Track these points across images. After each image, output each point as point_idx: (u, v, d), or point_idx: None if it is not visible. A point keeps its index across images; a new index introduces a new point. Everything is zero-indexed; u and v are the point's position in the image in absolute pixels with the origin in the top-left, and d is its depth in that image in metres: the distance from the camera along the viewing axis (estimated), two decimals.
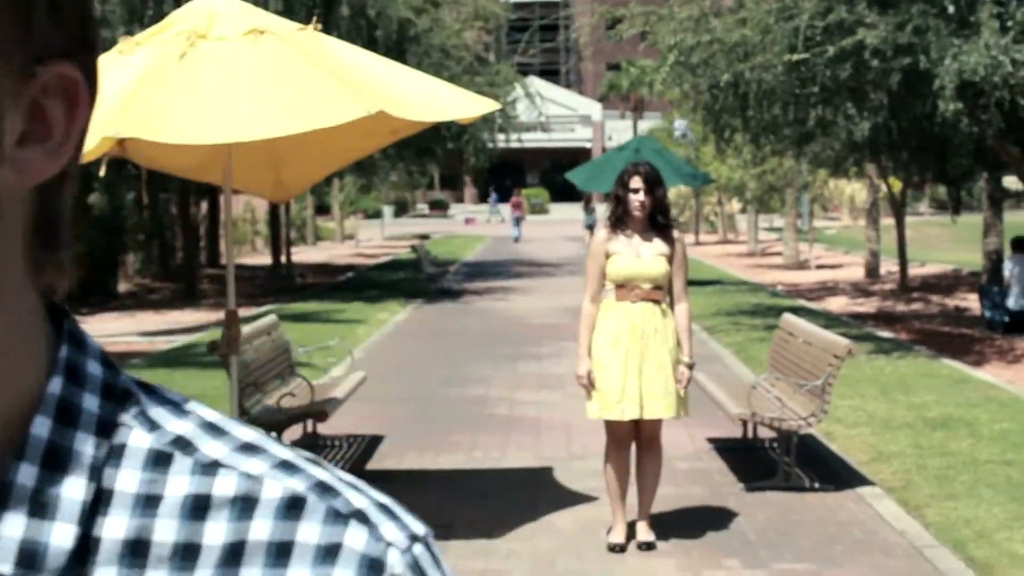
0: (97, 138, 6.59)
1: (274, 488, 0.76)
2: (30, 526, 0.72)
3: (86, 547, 0.73)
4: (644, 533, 7.23)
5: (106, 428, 0.76)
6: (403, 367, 14.68)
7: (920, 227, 46.60)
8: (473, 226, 65.59)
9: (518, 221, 50.50)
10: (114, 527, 0.74)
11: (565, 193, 76.32)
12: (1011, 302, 17.30)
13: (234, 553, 0.74)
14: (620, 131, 79.31)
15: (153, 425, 0.77)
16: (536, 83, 51.09)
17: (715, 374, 11.38)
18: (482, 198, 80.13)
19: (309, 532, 0.74)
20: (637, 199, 7.07)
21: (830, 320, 18.54)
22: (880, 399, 11.79)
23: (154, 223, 31.24)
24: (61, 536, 0.72)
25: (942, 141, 17.15)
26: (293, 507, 0.75)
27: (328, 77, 6.76)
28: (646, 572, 6.82)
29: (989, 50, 12.96)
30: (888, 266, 29.59)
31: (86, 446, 0.75)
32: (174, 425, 0.78)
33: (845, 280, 27.94)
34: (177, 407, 0.79)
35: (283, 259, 33.28)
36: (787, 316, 10.15)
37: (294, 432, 10.10)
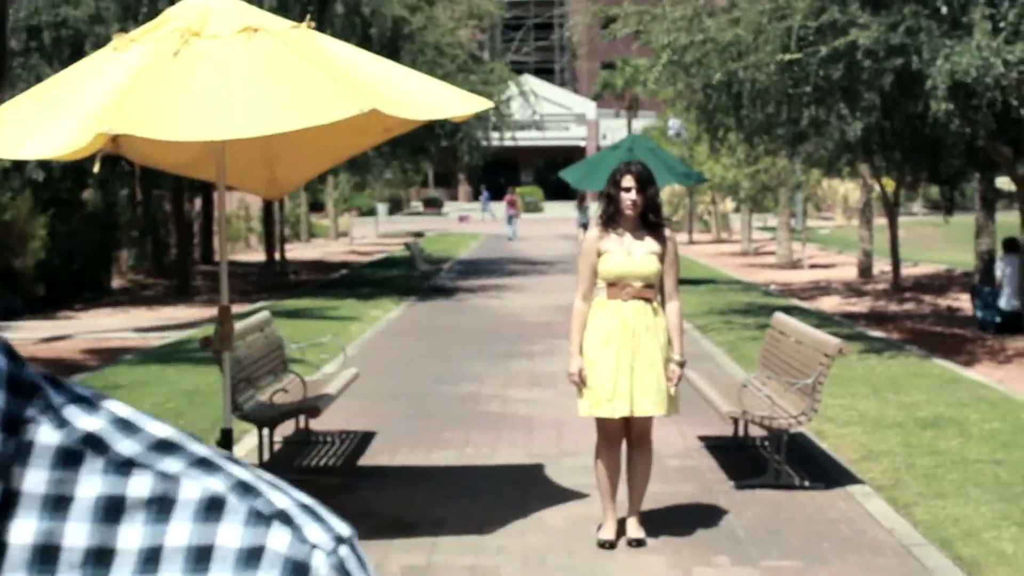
0: (91, 134, 6.62)
1: (192, 488, 0.72)
2: None
3: None
4: (634, 530, 7.27)
5: (12, 424, 0.71)
6: (396, 364, 14.71)
7: (913, 227, 46.66)
8: (467, 224, 65.61)
9: (511, 219, 50.52)
10: (22, 531, 0.69)
11: (559, 191, 76.34)
12: (1003, 302, 17.36)
13: (151, 558, 0.70)
14: (614, 130, 79.34)
15: (62, 421, 0.73)
16: (531, 81, 51.09)
17: (707, 372, 11.41)
18: (476, 196, 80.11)
19: (230, 535, 0.70)
20: (629, 198, 7.11)
21: (822, 319, 18.59)
22: (871, 398, 11.83)
23: (148, 219, 31.23)
24: None
25: (934, 141, 17.21)
26: (213, 508, 0.71)
27: (321, 75, 6.79)
28: (636, 569, 6.85)
29: (981, 51, 13.01)
30: (881, 266, 29.65)
31: None
32: (84, 421, 0.73)
33: (838, 280, 28.00)
34: (88, 402, 0.75)
35: (277, 256, 33.29)
36: (778, 315, 10.19)
37: (287, 428, 10.14)
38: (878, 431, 10.31)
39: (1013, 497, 8.09)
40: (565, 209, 70.45)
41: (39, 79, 17.03)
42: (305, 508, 0.74)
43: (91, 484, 0.71)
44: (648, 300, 7.14)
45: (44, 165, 19.17)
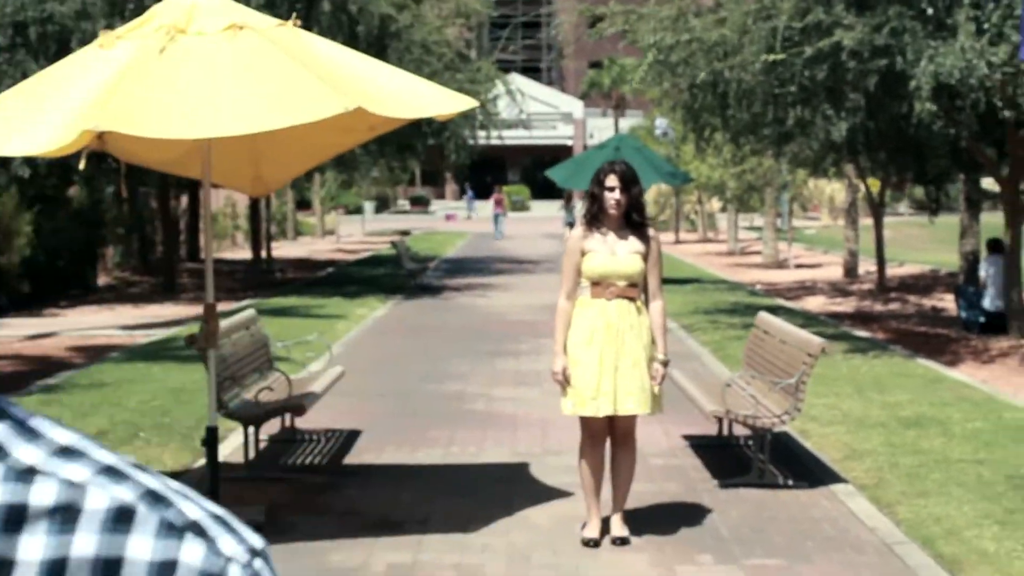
0: (77, 131, 6.62)
1: (99, 497, 0.68)
2: None
3: None
4: (618, 528, 7.29)
5: None
6: (382, 363, 14.72)
7: (900, 227, 46.77)
8: (454, 222, 65.63)
9: (498, 218, 50.56)
10: None
11: (546, 190, 76.34)
12: (987, 303, 17.43)
13: (55, 570, 0.66)
14: (602, 129, 79.41)
15: None
16: (518, 80, 51.12)
17: (692, 372, 11.45)
18: (463, 195, 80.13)
19: (140, 547, 0.67)
20: (613, 197, 7.13)
21: (808, 319, 18.64)
22: (855, 398, 11.87)
23: (134, 217, 31.19)
24: None
25: (919, 142, 17.26)
26: (121, 519, 0.67)
27: (307, 73, 6.80)
28: (619, 567, 6.88)
29: (965, 53, 13.05)
30: (867, 266, 29.73)
31: None
32: None
33: (824, 279, 28.06)
34: None
35: (263, 254, 33.26)
36: (762, 315, 10.22)
37: (272, 426, 10.14)
38: (861, 430, 10.35)
39: (995, 496, 8.13)
40: (552, 208, 70.53)
41: (25, 75, 16.99)
42: (218, 519, 0.70)
43: None
44: (632, 299, 7.17)
45: (30, 162, 19.13)
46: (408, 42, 23.96)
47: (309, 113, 6.58)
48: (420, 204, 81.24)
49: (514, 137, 71.16)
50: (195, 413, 10.86)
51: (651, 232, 7.28)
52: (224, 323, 8.69)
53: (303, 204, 59.09)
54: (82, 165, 7.20)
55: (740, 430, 9.85)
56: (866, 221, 30.19)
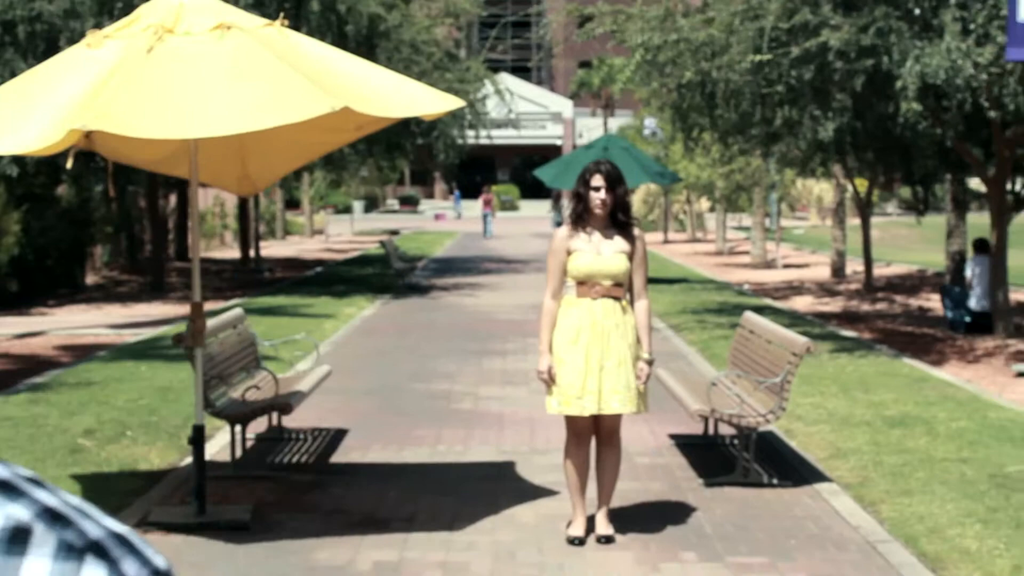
0: (64, 130, 6.65)
1: None
2: None
3: None
4: (603, 527, 7.33)
5: None
6: (370, 362, 14.75)
7: (888, 228, 46.90)
8: (443, 222, 65.66)
9: (487, 217, 50.61)
10: None
11: (536, 190, 76.46)
12: (972, 303, 17.50)
13: None
14: (591, 128, 79.51)
15: None
16: (507, 80, 51.16)
17: (678, 371, 11.48)
18: (452, 194, 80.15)
19: (37, 569, 0.63)
20: (598, 197, 7.17)
21: (795, 319, 18.71)
22: (840, 397, 11.92)
23: (122, 216, 31.17)
24: None
25: (906, 142, 17.32)
26: (17, 539, 0.63)
27: (294, 73, 6.83)
28: (604, 565, 6.91)
29: (950, 53, 13.11)
30: (854, 266, 29.82)
31: None
32: None
33: (811, 279, 28.14)
34: None
35: (252, 253, 33.27)
36: (748, 314, 10.26)
37: (259, 425, 10.17)
38: (846, 429, 10.40)
39: (977, 495, 8.18)
40: (541, 207, 70.61)
41: (13, 74, 17.01)
42: (120, 540, 0.67)
43: None
44: (617, 298, 7.21)
45: (18, 160, 19.12)
46: (397, 42, 23.98)
47: (296, 113, 6.61)
48: (409, 204, 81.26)
49: (503, 137, 71.24)
50: (182, 412, 10.88)
51: (636, 232, 7.32)
52: (211, 322, 8.72)
53: (292, 203, 59.08)
54: (69, 164, 7.22)
55: (726, 429, 9.90)
56: (854, 221, 30.27)
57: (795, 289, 25.59)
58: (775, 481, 8.68)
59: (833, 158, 23.21)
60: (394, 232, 52.04)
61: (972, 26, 13.63)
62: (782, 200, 38.63)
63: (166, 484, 8.67)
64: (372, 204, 77.23)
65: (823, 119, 16.06)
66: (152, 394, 11.86)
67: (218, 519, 7.57)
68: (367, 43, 22.06)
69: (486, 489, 8.51)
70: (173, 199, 35.49)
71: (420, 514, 7.86)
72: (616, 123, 68.30)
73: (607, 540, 7.27)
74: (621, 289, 7.23)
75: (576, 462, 7.33)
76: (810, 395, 11.92)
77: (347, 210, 63.15)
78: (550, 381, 7.19)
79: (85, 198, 26.75)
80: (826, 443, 9.95)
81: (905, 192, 43.88)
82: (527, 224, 59.44)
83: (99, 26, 16.83)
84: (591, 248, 7.19)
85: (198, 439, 7.74)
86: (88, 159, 21.42)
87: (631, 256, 7.23)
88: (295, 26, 19.76)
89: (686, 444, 9.97)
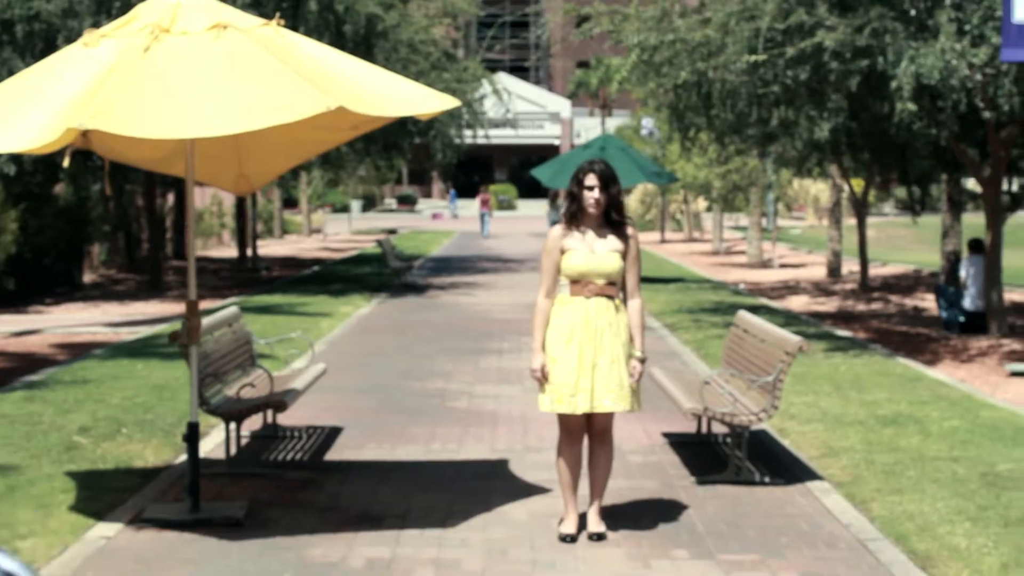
0: (61, 129, 6.69)
1: None
2: None
3: None
4: (595, 524, 7.37)
5: None
6: (365, 360, 14.79)
7: (885, 228, 46.97)
8: (440, 221, 65.71)
9: (484, 216, 50.67)
10: None
11: (533, 190, 76.56)
12: (967, 302, 17.55)
13: None
14: (589, 128, 79.55)
15: None
16: (505, 80, 51.22)
17: (672, 370, 11.53)
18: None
19: None
20: (592, 196, 7.22)
21: (790, 318, 18.75)
22: (834, 396, 11.97)
23: (119, 214, 31.21)
24: None
25: (902, 143, 17.37)
26: None
27: (289, 72, 6.87)
28: (596, 562, 6.96)
29: (944, 53, 13.16)
30: (850, 266, 29.87)
31: None
32: None
33: (807, 279, 28.19)
34: None
35: (249, 252, 33.30)
36: (741, 313, 10.30)
37: (254, 423, 10.22)
38: (839, 428, 10.44)
39: (968, 493, 8.23)
40: (539, 207, 70.64)
41: (11, 73, 17.05)
42: None
43: None
44: (610, 297, 7.25)
45: (16, 159, 19.16)
46: (395, 42, 24.03)
47: (291, 113, 6.64)
48: (407, 203, 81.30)
49: (502, 136, 71.23)
50: (178, 409, 10.93)
51: (630, 231, 7.36)
52: (206, 320, 8.76)
53: (290, 202, 59.13)
54: (66, 163, 7.26)
55: (719, 428, 9.95)
56: (850, 221, 30.35)
57: (791, 289, 25.64)
58: (767, 479, 8.73)
59: (829, 158, 23.29)
60: (392, 231, 52.10)
61: (967, 27, 13.67)
62: (779, 200, 38.72)
63: (161, 481, 8.71)
64: (370, 203, 77.29)
65: (819, 119, 16.11)
66: (148, 392, 11.90)
67: (212, 516, 7.62)
68: (365, 43, 22.10)
69: (479, 487, 8.56)
70: (171, 198, 35.53)
71: (413, 511, 7.90)
72: (614, 123, 68.34)
73: (599, 537, 7.31)
74: (614, 288, 7.27)
75: (568, 460, 7.37)
76: (804, 394, 11.96)
77: (345, 209, 63.20)
78: (543, 379, 7.23)
79: (83, 197, 26.79)
80: (819, 442, 10.00)
81: (901, 192, 43.91)
82: (525, 224, 59.49)
83: (97, 25, 16.88)
84: (585, 247, 7.24)
85: (193, 436, 7.79)
86: (86, 158, 21.47)
87: (624, 255, 7.28)
88: (293, 26, 19.83)
89: (679, 442, 10.01)
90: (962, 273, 17.89)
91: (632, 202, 53.13)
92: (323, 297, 22.74)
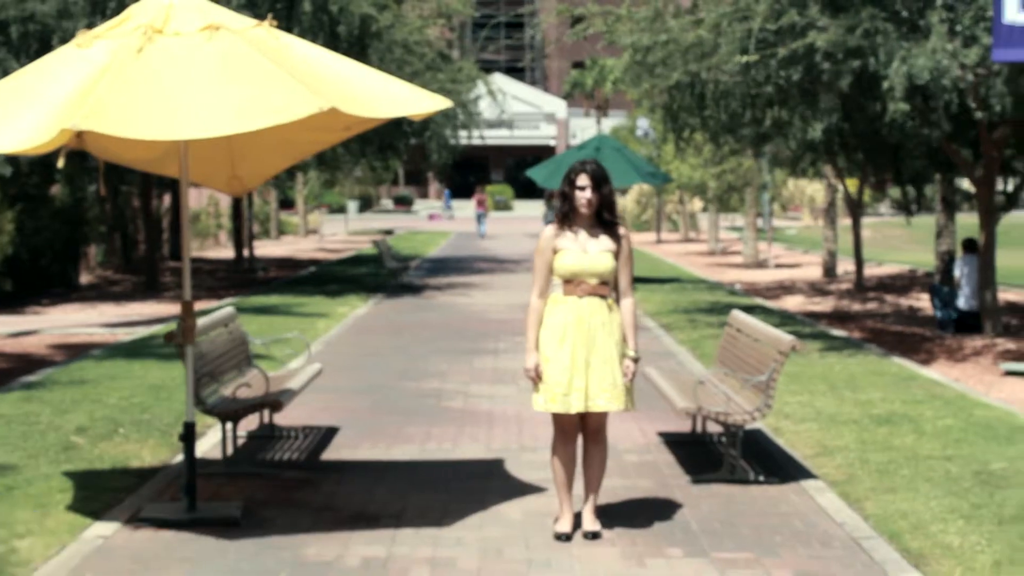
0: (55, 130, 6.71)
1: None
2: None
3: None
4: (590, 523, 7.40)
5: None
6: (362, 360, 14.82)
7: (880, 228, 47.03)
8: (437, 222, 65.72)
9: (480, 217, 50.70)
10: None
11: (529, 190, 76.57)
12: (961, 302, 17.59)
13: None
14: (585, 129, 79.55)
15: None
16: (501, 80, 51.24)
17: (667, 370, 11.56)
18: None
19: None
20: (584, 196, 7.25)
21: (785, 318, 18.80)
22: (828, 395, 12.00)
23: (116, 215, 31.21)
24: None
25: (895, 143, 17.41)
26: None
27: (281, 73, 6.90)
28: (591, 560, 6.99)
29: (935, 53, 13.19)
30: (845, 266, 29.92)
31: None
32: None
33: (803, 279, 28.23)
34: None
35: (246, 253, 33.31)
36: (735, 313, 10.33)
37: (251, 423, 10.24)
38: (834, 427, 10.48)
39: (961, 492, 8.27)
40: (535, 207, 70.66)
41: (6, 73, 17.05)
42: None
43: None
44: (603, 297, 7.29)
45: (12, 160, 19.17)
46: (389, 42, 24.04)
47: (283, 114, 6.67)
48: (403, 204, 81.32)
49: (497, 137, 71.32)
50: (174, 409, 10.95)
51: (622, 231, 7.39)
52: (202, 320, 8.79)
53: (286, 203, 59.15)
54: (60, 163, 7.28)
55: (714, 427, 9.99)
56: (846, 221, 30.39)
57: (786, 289, 25.68)
58: (761, 478, 8.77)
59: (823, 158, 23.34)
60: (388, 232, 52.13)
61: (958, 27, 13.71)
62: (774, 200, 38.76)
63: (158, 481, 8.73)
64: (366, 204, 77.28)
65: (812, 119, 16.13)
66: (144, 392, 11.92)
67: (209, 515, 7.64)
68: (359, 44, 22.12)
69: (474, 486, 8.59)
70: (167, 199, 35.54)
71: (409, 510, 7.93)
72: (609, 123, 68.35)
73: (593, 536, 7.34)
74: (607, 287, 7.31)
75: (563, 459, 7.40)
76: (799, 393, 12.00)
77: (341, 210, 63.23)
78: (537, 379, 7.26)
79: (79, 198, 26.80)
80: (813, 441, 10.03)
81: (896, 192, 44.03)
82: (521, 224, 59.51)
83: (91, 26, 16.88)
84: (577, 247, 7.27)
85: (189, 436, 7.82)
86: (82, 159, 21.48)
87: (617, 255, 7.31)
88: (287, 27, 19.85)
89: (674, 442, 10.05)
90: (956, 273, 17.94)
91: (628, 203, 53.20)
92: (319, 298, 22.76)
